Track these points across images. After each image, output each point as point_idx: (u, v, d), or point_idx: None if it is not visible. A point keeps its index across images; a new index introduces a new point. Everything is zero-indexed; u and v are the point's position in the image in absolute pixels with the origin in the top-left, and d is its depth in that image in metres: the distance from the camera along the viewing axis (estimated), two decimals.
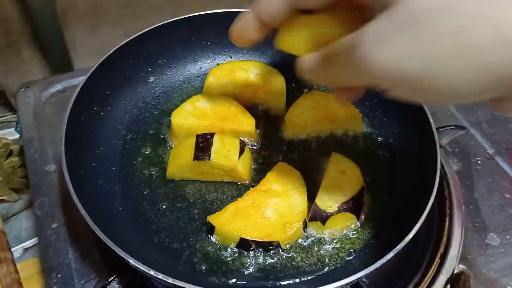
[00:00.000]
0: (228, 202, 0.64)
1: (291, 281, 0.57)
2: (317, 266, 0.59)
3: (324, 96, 0.73)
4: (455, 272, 0.61)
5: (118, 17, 1.06)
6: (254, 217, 0.58)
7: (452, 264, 0.61)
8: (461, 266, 0.63)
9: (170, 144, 0.71)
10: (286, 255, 0.59)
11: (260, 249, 0.59)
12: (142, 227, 0.62)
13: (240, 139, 0.67)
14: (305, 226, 0.60)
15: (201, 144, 0.63)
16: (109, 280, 0.56)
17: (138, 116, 0.75)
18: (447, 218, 0.65)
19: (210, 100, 0.71)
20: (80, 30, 1.03)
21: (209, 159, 0.62)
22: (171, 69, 0.81)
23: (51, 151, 0.74)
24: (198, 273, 0.57)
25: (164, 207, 0.64)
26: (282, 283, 0.57)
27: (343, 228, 0.61)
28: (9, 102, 1.02)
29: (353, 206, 0.60)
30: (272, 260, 0.59)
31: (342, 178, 0.62)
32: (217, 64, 0.82)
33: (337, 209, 0.59)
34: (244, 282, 0.57)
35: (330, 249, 0.60)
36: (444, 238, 0.63)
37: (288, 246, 0.59)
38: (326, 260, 0.59)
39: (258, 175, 0.67)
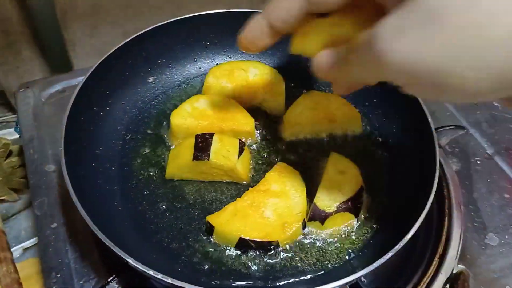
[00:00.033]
0: (227, 202, 0.64)
1: (290, 281, 0.57)
2: (316, 266, 0.59)
3: (323, 96, 0.73)
4: (454, 272, 0.61)
5: (118, 17, 1.06)
6: (253, 217, 0.58)
7: (451, 264, 0.61)
8: (460, 266, 0.63)
9: (169, 144, 0.71)
10: (285, 255, 0.59)
11: (259, 249, 0.59)
12: (141, 227, 0.62)
13: (240, 139, 0.67)
14: (304, 226, 0.60)
15: (200, 144, 0.63)
16: (109, 280, 0.56)
17: (138, 116, 0.75)
18: (446, 218, 0.66)
19: (209, 100, 0.71)
20: (79, 30, 1.04)
21: (208, 159, 0.62)
22: (171, 69, 0.81)
23: (50, 151, 0.75)
24: (197, 273, 0.57)
25: (163, 207, 0.64)
26: (281, 283, 0.57)
27: (342, 228, 0.61)
28: (9, 102, 1.02)
29: (352, 206, 0.60)
30: (271, 260, 0.59)
31: (341, 178, 0.62)
32: (217, 64, 0.82)
33: (336, 209, 0.59)
34: (244, 282, 0.57)
35: (329, 249, 0.60)
36: (443, 238, 0.64)
37: (287, 246, 0.59)
38: (325, 260, 0.59)
39: (257, 175, 0.67)
